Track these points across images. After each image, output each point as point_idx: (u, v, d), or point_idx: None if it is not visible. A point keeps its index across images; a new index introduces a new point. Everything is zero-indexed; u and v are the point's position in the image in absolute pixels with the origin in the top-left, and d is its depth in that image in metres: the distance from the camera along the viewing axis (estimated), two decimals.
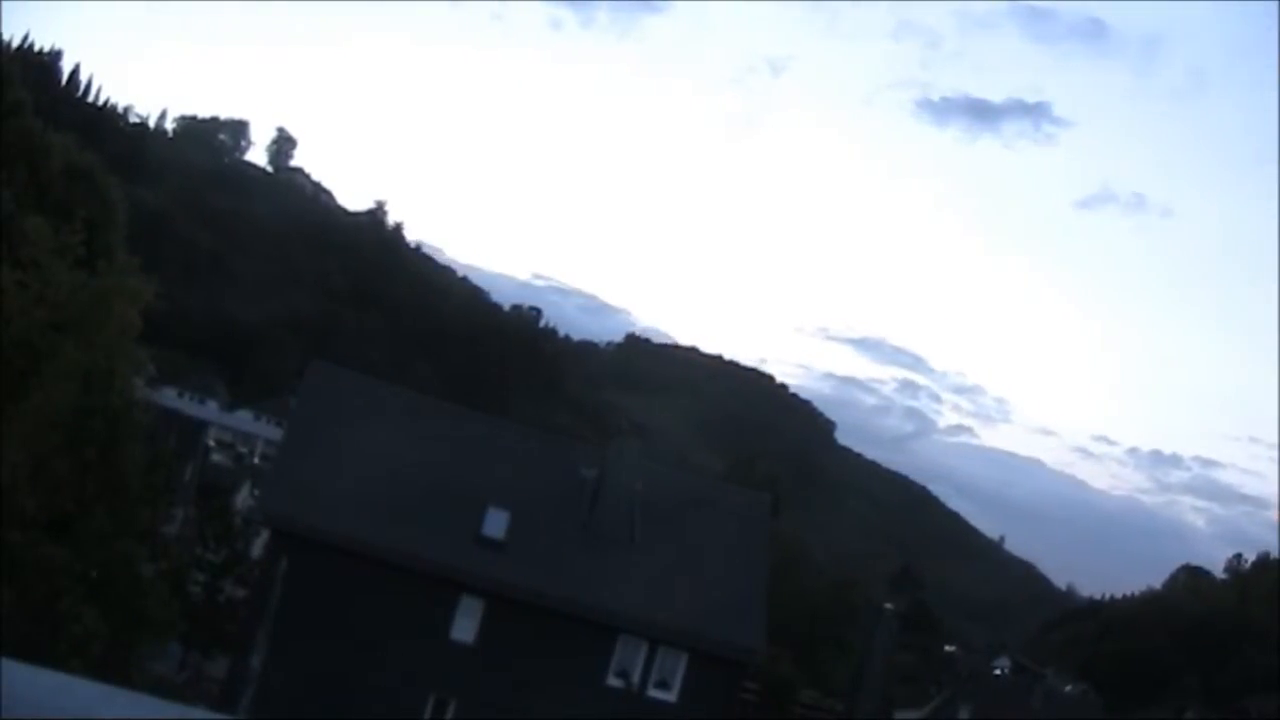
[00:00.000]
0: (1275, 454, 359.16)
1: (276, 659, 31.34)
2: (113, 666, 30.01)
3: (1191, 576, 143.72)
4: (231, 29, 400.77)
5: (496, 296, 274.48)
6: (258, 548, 48.14)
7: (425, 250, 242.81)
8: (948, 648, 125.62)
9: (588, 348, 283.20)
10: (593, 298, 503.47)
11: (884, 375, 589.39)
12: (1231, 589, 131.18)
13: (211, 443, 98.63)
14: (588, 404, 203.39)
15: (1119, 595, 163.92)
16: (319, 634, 32.95)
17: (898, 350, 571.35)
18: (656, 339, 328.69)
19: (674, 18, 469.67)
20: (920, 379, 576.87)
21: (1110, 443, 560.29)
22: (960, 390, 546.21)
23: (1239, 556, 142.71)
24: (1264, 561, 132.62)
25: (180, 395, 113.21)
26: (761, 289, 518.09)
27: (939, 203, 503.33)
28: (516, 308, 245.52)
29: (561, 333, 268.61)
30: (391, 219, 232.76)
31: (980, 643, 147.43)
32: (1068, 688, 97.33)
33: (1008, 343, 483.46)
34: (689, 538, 37.28)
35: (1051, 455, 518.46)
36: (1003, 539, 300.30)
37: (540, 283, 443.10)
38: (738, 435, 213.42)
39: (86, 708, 3.89)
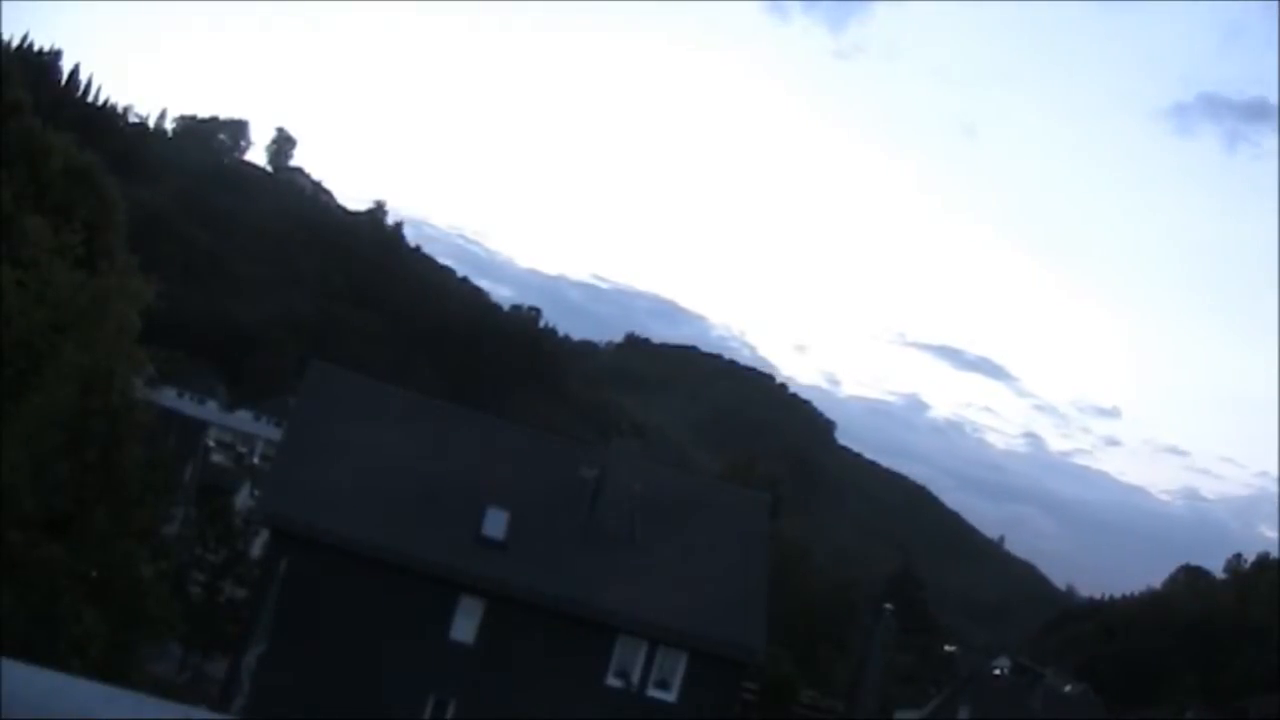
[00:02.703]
0: None
1: (276, 659, 31.32)
2: (113, 666, 30.01)
3: (1191, 576, 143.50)
4: (233, 28, 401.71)
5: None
6: (258, 548, 48.15)
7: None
8: (948, 648, 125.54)
9: (588, 348, 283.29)
10: (667, 301, 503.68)
11: (964, 383, 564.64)
12: (1231, 589, 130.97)
13: (211, 443, 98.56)
14: (588, 404, 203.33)
15: (1119, 595, 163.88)
16: (319, 634, 32.94)
17: (982, 359, 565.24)
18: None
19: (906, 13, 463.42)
20: (1056, 404, 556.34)
21: (1239, 465, 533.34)
22: (1097, 412, 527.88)
23: (1239, 556, 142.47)
24: (1264, 561, 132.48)
25: (180, 395, 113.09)
26: (843, 295, 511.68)
27: (1112, 211, 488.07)
28: (516, 308, 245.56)
29: (574, 335, 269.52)
30: (393, 218, 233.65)
31: (980, 643, 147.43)
32: (1068, 688, 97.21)
33: (1132, 358, 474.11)
34: (689, 538, 37.26)
35: (1172, 476, 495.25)
36: (1003, 539, 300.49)
37: (603, 284, 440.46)
38: (738, 435, 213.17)
39: (86, 708, 3.89)
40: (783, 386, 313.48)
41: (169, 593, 38.00)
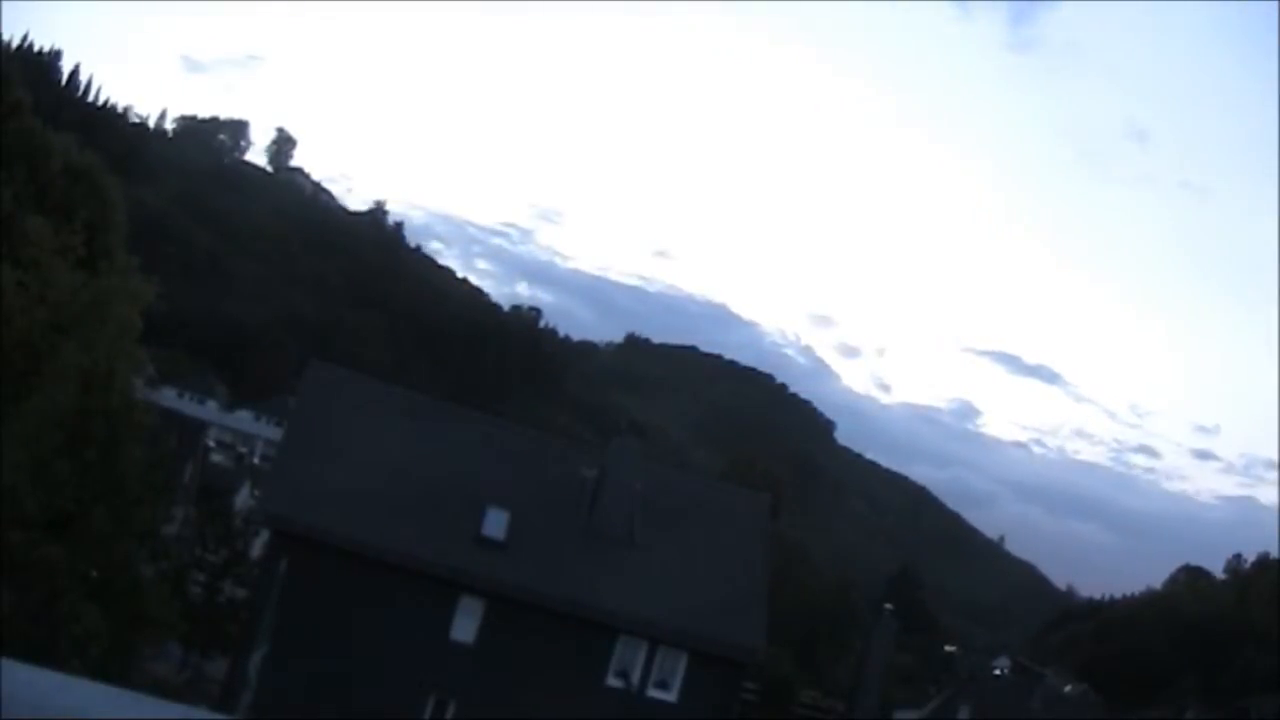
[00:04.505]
0: None
1: (276, 659, 31.32)
2: (113, 666, 30.02)
3: (1191, 576, 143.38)
4: (237, 27, 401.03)
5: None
6: (258, 548, 48.14)
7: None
8: (948, 648, 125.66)
9: (588, 348, 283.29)
10: (718, 305, 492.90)
11: (1020, 388, 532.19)
12: (1231, 589, 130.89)
13: (211, 443, 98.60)
14: (588, 404, 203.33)
15: (1119, 595, 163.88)
16: (319, 634, 32.91)
17: (1038, 366, 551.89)
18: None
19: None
20: (1150, 427, 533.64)
21: None
22: (1194, 428, 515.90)
23: (1239, 556, 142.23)
24: (1264, 561, 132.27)
25: (180, 395, 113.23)
26: (905, 298, 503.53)
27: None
28: (516, 308, 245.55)
29: (567, 334, 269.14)
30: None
31: (980, 643, 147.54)
32: (1068, 688, 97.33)
33: (1244, 374, 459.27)
34: (689, 538, 37.24)
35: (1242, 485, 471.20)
36: (1003, 539, 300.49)
37: (651, 287, 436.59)
38: (738, 435, 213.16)
39: (86, 708, 3.89)
40: (783, 386, 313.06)
41: (169, 593, 38.02)
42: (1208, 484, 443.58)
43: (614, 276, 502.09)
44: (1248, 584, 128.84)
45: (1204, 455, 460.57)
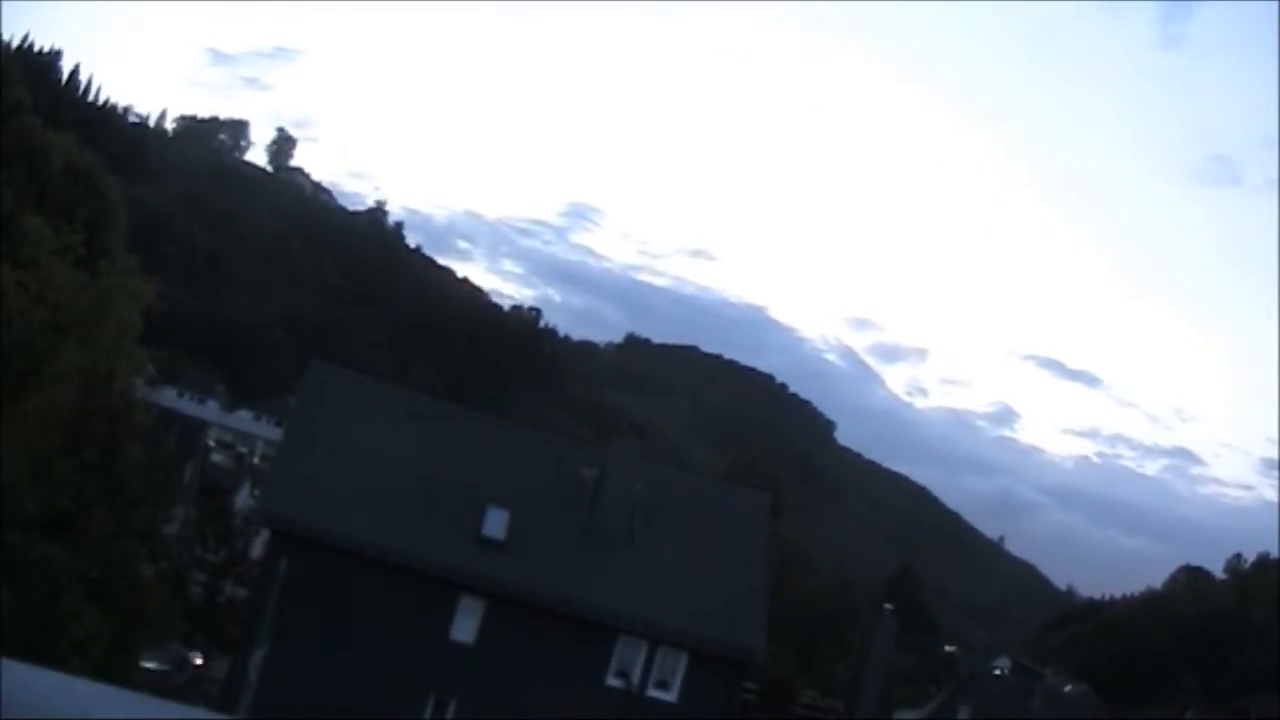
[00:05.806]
0: None
1: (276, 659, 31.31)
2: (113, 666, 30.01)
3: (1191, 576, 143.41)
4: (265, 24, 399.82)
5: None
6: (258, 548, 48.16)
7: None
8: (948, 648, 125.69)
9: (588, 348, 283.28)
10: (757, 307, 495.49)
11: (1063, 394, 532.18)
12: (1231, 589, 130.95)
13: (211, 443, 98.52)
14: (588, 404, 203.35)
15: (1119, 595, 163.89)
16: (319, 634, 32.93)
17: (1079, 372, 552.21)
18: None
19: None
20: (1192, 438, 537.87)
21: None
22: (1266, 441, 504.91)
23: (1239, 556, 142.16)
24: (1264, 561, 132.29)
25: (180, 395, 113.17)
26: (950, 308, 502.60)
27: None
28: (517, 308, 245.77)
29: (569, 335, 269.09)
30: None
31: (980, 643, 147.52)
32: (1068, 688, 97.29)
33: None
34: (689, 538, 37.25)
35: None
36: (1003, 539, 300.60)
37: (685, 289, 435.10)
38: (738, 435, 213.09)
39: (86, 708, 3.89)
40: (783, 386, 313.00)
41: (169, 593, 37.99)
42: (1257, 489, 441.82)
43: (646, 278, 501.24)
44: (1248, 584, 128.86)
45: (1272, 465, 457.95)
